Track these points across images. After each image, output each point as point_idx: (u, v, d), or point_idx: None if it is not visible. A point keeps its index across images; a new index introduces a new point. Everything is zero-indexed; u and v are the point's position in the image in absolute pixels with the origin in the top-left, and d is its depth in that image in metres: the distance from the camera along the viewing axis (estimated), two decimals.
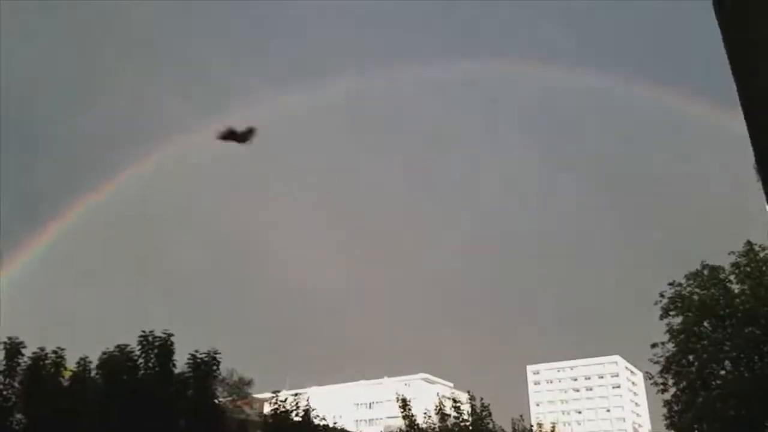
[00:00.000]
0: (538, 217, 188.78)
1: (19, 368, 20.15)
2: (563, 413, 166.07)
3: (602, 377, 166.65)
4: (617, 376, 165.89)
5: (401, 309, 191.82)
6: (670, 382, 33.22)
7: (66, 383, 21.37)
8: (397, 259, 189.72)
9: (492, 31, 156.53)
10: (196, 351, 22.88)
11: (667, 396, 33.65)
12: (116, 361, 21.57)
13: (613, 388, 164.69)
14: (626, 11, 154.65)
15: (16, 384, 20.01)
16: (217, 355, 23.16)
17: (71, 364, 21.64)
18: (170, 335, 22.33)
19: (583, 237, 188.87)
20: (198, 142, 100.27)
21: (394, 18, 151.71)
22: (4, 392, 19.62)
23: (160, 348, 22.08)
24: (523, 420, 40.31)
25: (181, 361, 22.62)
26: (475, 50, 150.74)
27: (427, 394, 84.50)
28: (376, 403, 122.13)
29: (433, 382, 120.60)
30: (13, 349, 20.03)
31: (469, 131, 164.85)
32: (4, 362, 19.81)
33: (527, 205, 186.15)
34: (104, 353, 21.78)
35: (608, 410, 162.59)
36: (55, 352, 21.09)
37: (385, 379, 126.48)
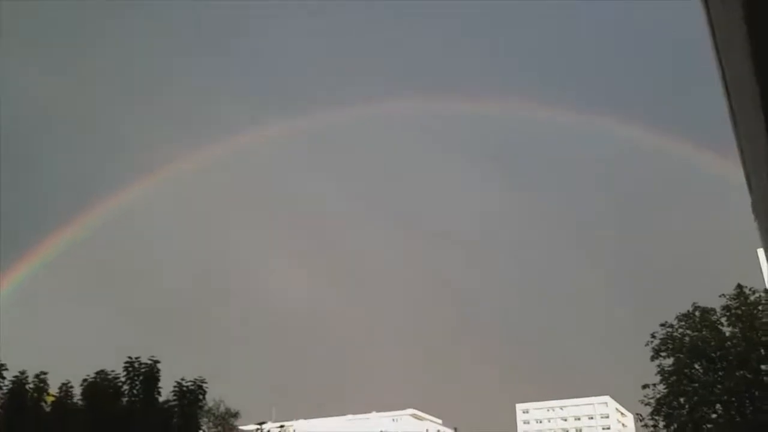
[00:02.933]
0: (529, 255, 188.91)
1: (1, 392, 19.83)
2: None
3: (592, 418, 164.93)
4: (607, 417, 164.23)
5: (390, 343, 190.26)
6: (661, 424, 32.91)
7: (48, 408, 21.02)
8: (386, 292, 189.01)
9: (485, 71, 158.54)
10: (182, 379, 22.59)
11: None
12: (100, 387, 21.26)
13: (604, 429, 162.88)
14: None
15: None
16: (204, 384, 22.87)
17: (54, 388, 21.33)
18: (156, 362, 22.08)
19: (575, 277, 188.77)
20: (181, 169, 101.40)
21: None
22: None
23: (146, 375, 21.80)
24: None
25: (166, 389, 22.33)
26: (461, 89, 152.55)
27: (416, 429, 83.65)
28: None
29: (421, 418, 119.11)
30: None
31: (462, 173, 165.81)
32: None
33: (517, 243, 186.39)
34: (86, 379, 21.48)
35: None
36: (37, 376, 20.80)
37: (373, 414, 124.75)
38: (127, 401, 21.45)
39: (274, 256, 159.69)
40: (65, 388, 21.40)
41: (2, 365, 19.90)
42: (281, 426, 27.45)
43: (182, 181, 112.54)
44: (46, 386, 21.14)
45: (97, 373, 21.56)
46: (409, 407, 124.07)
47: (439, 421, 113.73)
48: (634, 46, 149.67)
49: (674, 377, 32.63)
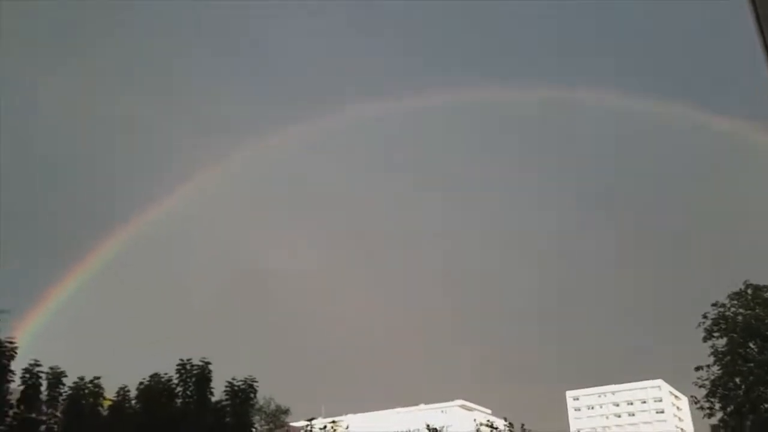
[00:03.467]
0: (576, 238, 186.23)
1: (60, 398, 20.49)
2: None
3: (645, 402, 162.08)
4: (661, 401, 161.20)
5: (437, 335, 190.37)
6: (717, 406, 32.19)
7: (105, 412, 21.64)
8: (431, 284, 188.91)
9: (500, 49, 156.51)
10: (233, 379, 22.93)
11: (714, 421, 32.65)
12: (154, 390, 21.76)
13: (657, 413, 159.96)
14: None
15: (57, 414, 20.33)
16: (254, 383, 23.19)
17: (109, 392, 21.93)
18: (208, 363, 22.48)
19: (623, 259, 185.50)
20: (210, 174, 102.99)
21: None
22: (48, 422, 19.95)
23: (198, 376, 22.22)
24: None
25: (218, 389, 22.71)
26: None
27: (465, 420, 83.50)
28: (413, 430, 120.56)
29: (470, 409, 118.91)
30: (55, 378, 20.39)
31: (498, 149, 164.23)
32: (47, 392, 20.17)
33: (565, 226, 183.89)
34: (142, 382, 21.99)
35: None
36: (93, 381, 21.41)
37: (422, 406, 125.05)
38: (181, 402, 21.91)
39: (315, 258, 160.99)
40: (122, 393, 21.97)
41: (61, 372, 20.55)
42: (333, 421, 27.68)
43: (215, 184, 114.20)
44: (101, 391, 21.72)
45: (151, 376, 22.06)
46: (458, 398, 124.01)
47: (489, 411, 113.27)
48: (675, 22, 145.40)
49: (728, 357, 31.87)
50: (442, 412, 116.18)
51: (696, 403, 33.63)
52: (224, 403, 22.58)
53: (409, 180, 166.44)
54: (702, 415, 33.13)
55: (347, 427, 27.78)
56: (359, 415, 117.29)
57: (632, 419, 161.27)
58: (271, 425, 50.89)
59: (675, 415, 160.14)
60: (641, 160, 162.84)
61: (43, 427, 19.76)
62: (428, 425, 32.73)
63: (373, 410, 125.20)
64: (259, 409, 46.42)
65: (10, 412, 19.00)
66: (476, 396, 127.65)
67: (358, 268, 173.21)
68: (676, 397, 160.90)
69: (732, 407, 31.70)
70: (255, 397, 23.64)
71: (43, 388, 20.08)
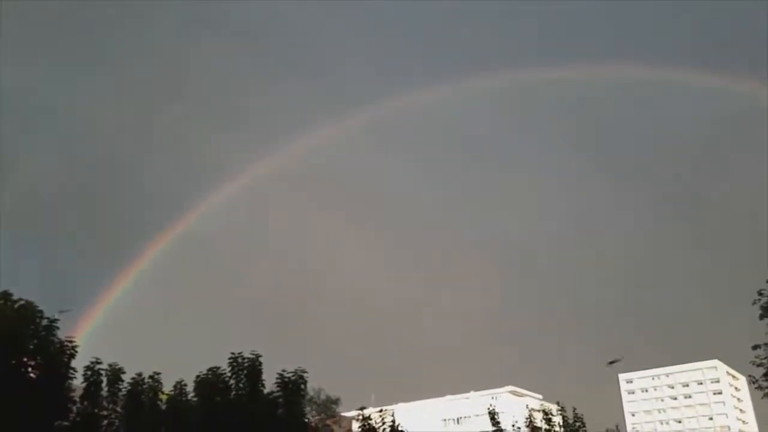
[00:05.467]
0: (630, 218, 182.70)
1: (120, 393, 21.14)
2: (661, 423, 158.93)
3: (701, 383, 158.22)
4: (718, 381, 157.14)
5: (485, 322, 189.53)
6: None
7: (164, 406, 22.24)
8: (478, 271, 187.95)
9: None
10: (284, 370, 23.22)
11: None
12: (210, 383, 22.24)
13: (714, 394, 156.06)
14: None
15: (118, 409, 20.99)
16: (305, 374, 23.44)
17: (166, 387, 22.51)
18: (258, 356, 22.81)
19: (676, 238, 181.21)
20: (263, 179, 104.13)
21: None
22: (109, 417, 20.61)
23: (249, 368, 22.60)
24: (618, 431, 38.87)
25: (269, 381, 23.05)
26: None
27: (515, 406, 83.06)
28: (464, 417, 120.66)
29: (520, 395, 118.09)
30: (115, 375, 21.05)
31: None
32: (107, 388, 20.83)
33: (618, 208, 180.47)
34: (199, 375, 22.51)
35: (710, 418, 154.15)
36: (152, 377, 22.01)
37: (472, 393, 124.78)
38: (234, 395, 22.32)
39: (365, 253, 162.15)
40: (179, 386, 22.51)
41: (120, 369, 21.15)
42: (380, 410, 27.90)
43: (275, 182, 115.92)
44: (160, 385, 22.25)
45: (209, 369, 22.53)
46: (508, 384, 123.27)
47: (539, 396, 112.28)
48: None
49: None
50: (492, 398, 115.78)
51: (754, 382, 32.59)
52: (275, 394, 22.90)
53: (462, 177, 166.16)
54: (761, 395, 32.19)
55: (392, 414, 27.88)
56: (409, 403, 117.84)
57: (688, 401, 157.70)
58: (322, 415, 51.64)
59: (733, 396, 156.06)
60: (701, 143, 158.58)
61: (104, 422, 20.39)
62: (489, 409, 32.42)
63: (423, 399, 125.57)
64: (310, 400, 47.12)
65: (74, 408, 19.65)
66: (526, 382, 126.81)
67: (407, 262, 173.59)
68: (733, 377, 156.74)
69: None
70: (305, 388, 23.87)
71: (103, 385, 20.69)
